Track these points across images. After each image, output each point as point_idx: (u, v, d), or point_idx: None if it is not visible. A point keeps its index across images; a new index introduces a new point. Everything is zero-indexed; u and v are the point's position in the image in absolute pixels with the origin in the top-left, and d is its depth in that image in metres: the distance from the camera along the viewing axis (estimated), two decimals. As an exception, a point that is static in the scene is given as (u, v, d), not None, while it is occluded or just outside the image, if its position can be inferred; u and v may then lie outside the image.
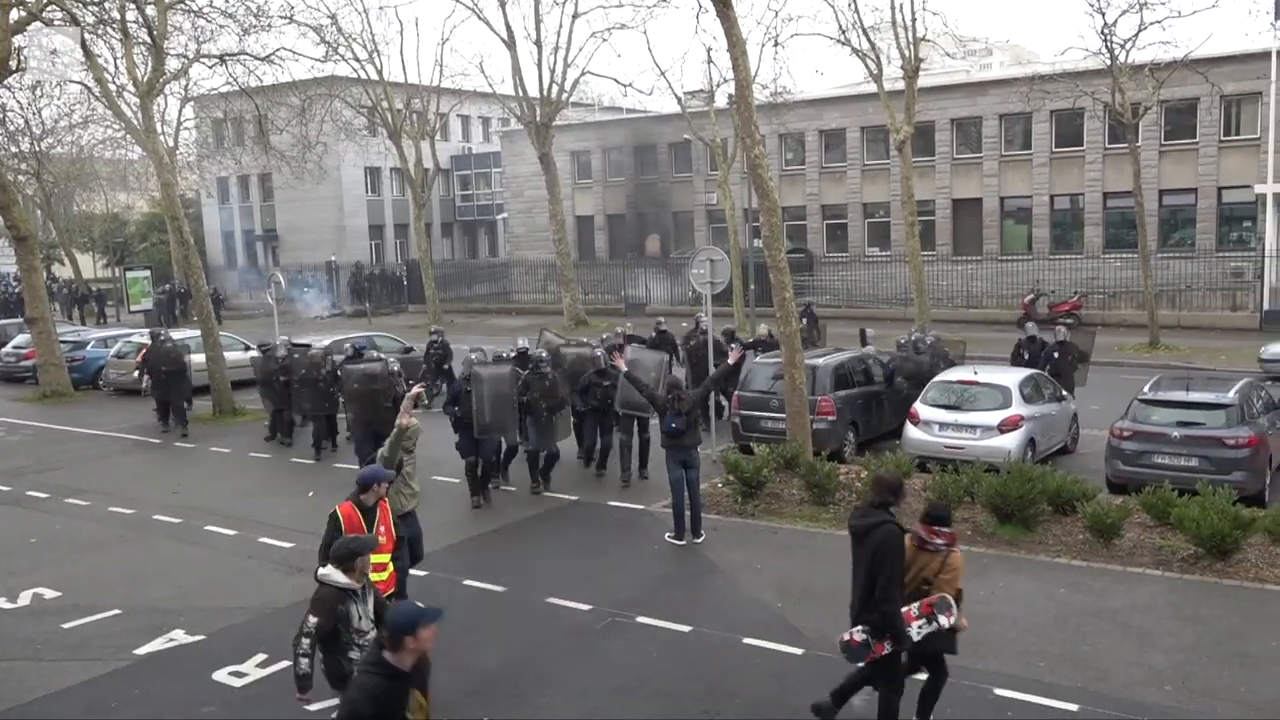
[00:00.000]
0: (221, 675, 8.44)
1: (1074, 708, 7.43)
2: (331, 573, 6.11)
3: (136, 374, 20.43)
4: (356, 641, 6.07)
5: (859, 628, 6.70)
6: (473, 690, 8.05)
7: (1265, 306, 28.34)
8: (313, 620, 6.03)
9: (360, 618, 6.13)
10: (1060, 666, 8.08)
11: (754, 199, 16.78)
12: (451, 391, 13.58)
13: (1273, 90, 28.74)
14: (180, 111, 38.19)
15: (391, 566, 7.65)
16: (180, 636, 9.27)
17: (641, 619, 9.26)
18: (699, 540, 11.47)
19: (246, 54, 23.80)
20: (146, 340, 20.49)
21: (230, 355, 21.76)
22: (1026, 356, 17.23)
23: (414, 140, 37.19)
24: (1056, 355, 16.82)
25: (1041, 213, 34.75)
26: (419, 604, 5.13)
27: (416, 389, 10.27)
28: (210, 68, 25.02)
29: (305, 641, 6.08)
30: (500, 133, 49.00)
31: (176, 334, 24.02)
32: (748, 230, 32.72)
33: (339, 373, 15.59)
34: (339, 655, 6.12)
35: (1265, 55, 28.30)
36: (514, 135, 44.39)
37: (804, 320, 22.64)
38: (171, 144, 36.03)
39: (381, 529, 7.39)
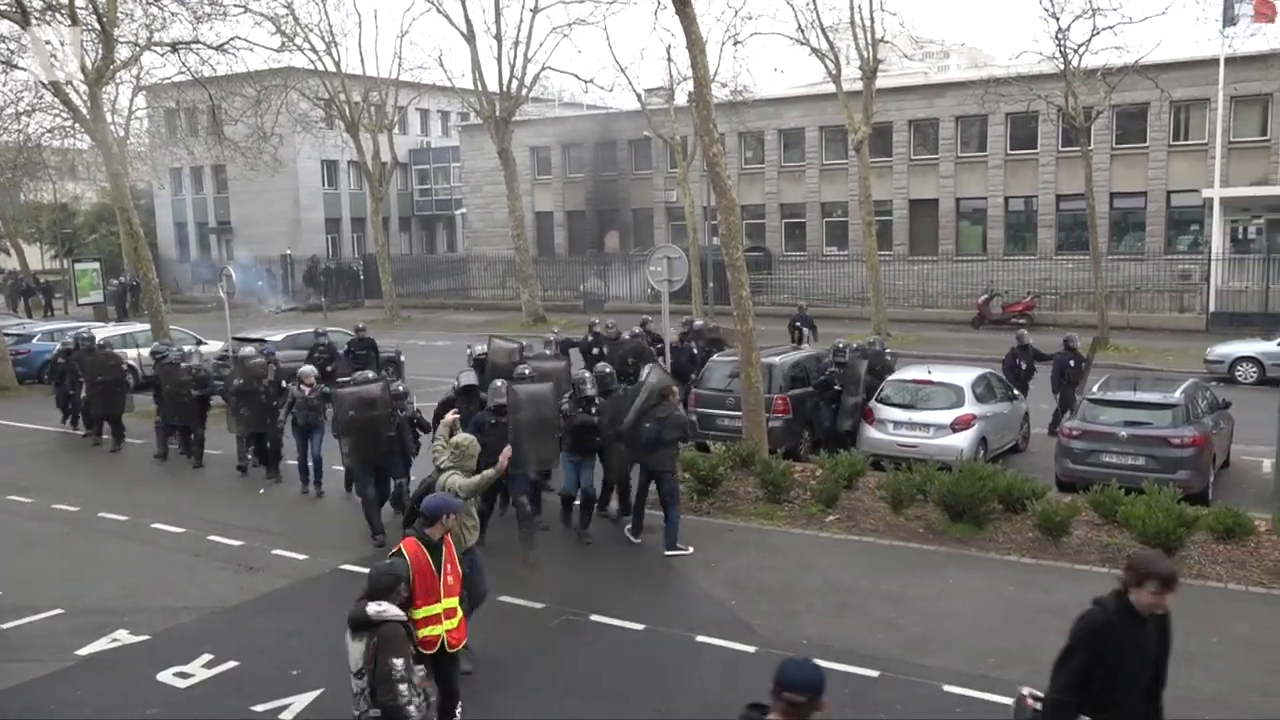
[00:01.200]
0: (166, 676, 8.29)
1: (1020, 704, 7.52)
2: (387, 607, 5.72)
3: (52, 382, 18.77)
4: (411, 679, 5.64)
5: (1037, 692, 5.48)
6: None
7: (1211, 309, 28.95)
8: (397, 662, 5.53)
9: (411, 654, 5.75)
10: (1008, 662, 8.17)
11: (713, 197, 16.86)
12: (474, 422, 10.90)
13: (1220, 96, 29.37)
14: (132, 100, 37.51)
15: (461, 611, 6.78)
16: (124, 636, 9.09)
17: (595, 617, 9.24)
18: (682, 552, 10.99)
19: (200, 43, 23.39)
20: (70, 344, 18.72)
21: (181, 350, 21.45)
22: (1024, 366, 16.73)
23: (372, 133, 36.83)
24: (1072, 363, 16.42)
25: (996, 214, 35.22)
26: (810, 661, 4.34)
27: (451, 416, 9.51)
28: (162, 56, 24.47)
29: (403, 688, 5.47)
30: (459, 127, 48.68)
31: (121, 329, 23.55)
32: (707, 228, 32.80)
33: (327, 395, 13.19)
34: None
35: (1213, 62, 28.89)
36: (473, 130, 44.13)
37: (799, 324, 22.38)
38: (122, 134, 35.36)
39: (448, 568, 6.63)
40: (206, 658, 8.58)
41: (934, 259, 35.06)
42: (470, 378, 12.34)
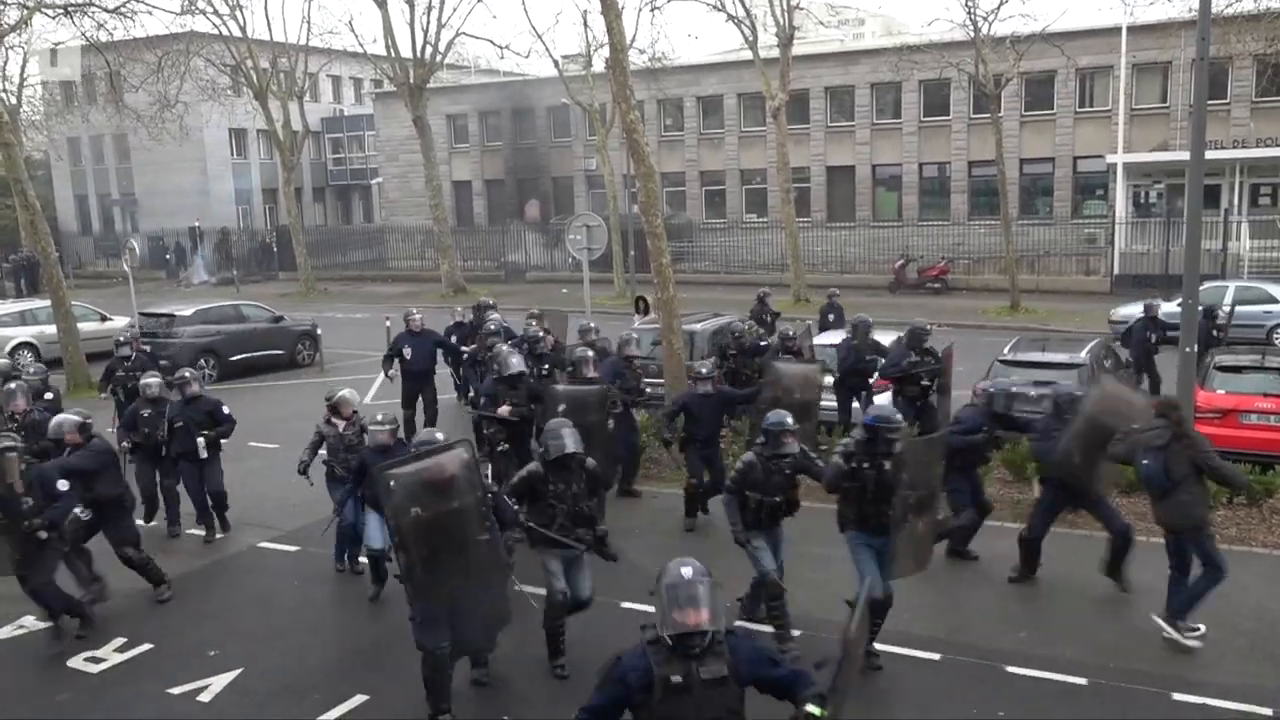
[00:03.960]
0: (77, 661, 8.07)
1: (936, 656, 7.76)
2: None
3: None
4: None
5: None
6: (349, 660, 7.93)
7: (1115, 271, 29.93)
8: None
9: None
10: (924, 617, 8.40)
11: (633, 164, 16.78)
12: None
13: (1122, 64, 30.23)
14: (24, 67, 35.76)
15: None
16: (31, 623, 8.79)
17: (524, 587, 9.22)
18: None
19: (95, 5, 22.32)
20: None
21: (85, 326, 20.73)
22: (1154, 339, 15.01)
23: (281, 101, 35.72)
24: (1215, 333, 14.94)
25: (911, 180, 35.82)
26: None
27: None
28: (54, 19, 23.28)
29: None
30: (373, 94, 47.62)
31: (20, 306, 22.64)
32: (627, 196, 32.74)
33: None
34: None
35: (1116, 31, 29.70)
36: (387, 97, 43.19)
37: (830, 315, 18.17)
38: (14, 101, 33.74)
39: None
40: (119, 641, 8.36)
41: (851, 225, 35.53)
42: (572, 441, 7.46)
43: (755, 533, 7.90)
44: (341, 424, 9.57)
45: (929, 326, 12.61)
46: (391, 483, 6.38)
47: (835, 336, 15.11)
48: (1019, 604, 8.67)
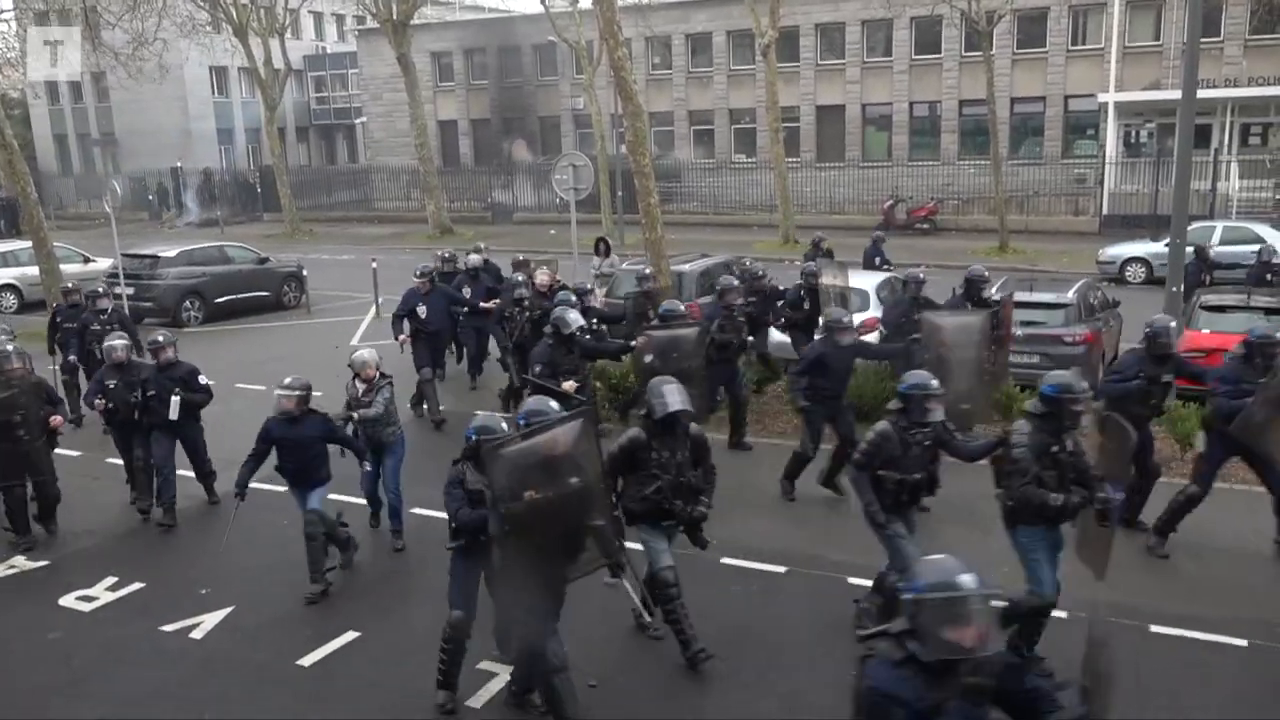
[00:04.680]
0: (69, 600, 8.13)
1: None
2: None
3: None
4: None
5: None
6: (340, 597, 8.01)
7: (1104, 211, 29.89)
8: None
9: None
10: (908, 554, 8.51)
11: (620, 103, 16.49)
12: None
13: (1116, 1, 29.84)
14: (-4, 2, 34.91)
15: None
16: (22, 563, 8.86)
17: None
18: None
19: (67, -62, 21.77)
20: None
21: (67, 268, 20.54)
22: (1207, 280, 15.42)
23: (262, 38, 35.05)
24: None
25: (901, 120, 35.51)
26: None
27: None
28: (27, -48, 22.75)
29: None
30: (356, 31, 46.77)
31: (5, 247, 22.40)
32: (615, 135, 32.39)
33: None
34: None
35: (1111, -34, 29.31)
36: (370, 34, 42.44)
37: (877, 259, 18.03)
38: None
39: None
40: (110, 580, 8.43)
41: (841, 165, 35.30)
42: (679, 399, 6.61)
43: (893, 517, 7.00)
44: (362, 387, 8.77)
45: (986, 274, 11.51)
46: (497, 464, 5.45)
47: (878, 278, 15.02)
48: (999, 541, 8.74)
